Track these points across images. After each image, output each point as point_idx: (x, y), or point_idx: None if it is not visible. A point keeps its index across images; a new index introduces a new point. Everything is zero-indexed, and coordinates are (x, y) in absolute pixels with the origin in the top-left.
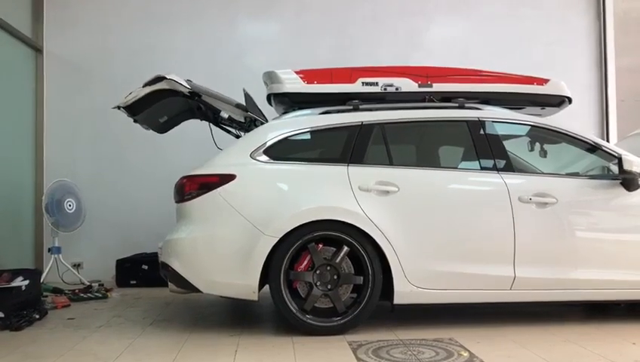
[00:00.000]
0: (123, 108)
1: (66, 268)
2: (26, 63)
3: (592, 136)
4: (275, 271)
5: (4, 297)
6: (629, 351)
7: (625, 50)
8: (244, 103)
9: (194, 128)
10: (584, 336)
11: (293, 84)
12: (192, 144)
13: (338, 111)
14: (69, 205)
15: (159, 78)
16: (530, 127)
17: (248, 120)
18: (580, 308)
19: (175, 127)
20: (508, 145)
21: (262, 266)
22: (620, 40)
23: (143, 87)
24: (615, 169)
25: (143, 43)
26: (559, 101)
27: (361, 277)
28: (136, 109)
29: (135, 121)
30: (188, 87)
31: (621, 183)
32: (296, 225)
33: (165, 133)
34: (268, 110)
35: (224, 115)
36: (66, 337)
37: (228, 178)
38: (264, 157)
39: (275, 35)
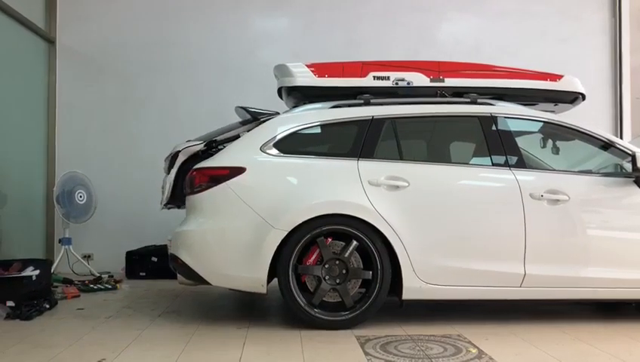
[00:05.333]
0: (168, 205)
1: (76, 259)
2: (39, 55)
3: (606, 133)
4: (283, 265)
5: (15, 286)
6: None
7: None
8: (244, 118)
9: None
10: (594, 335)
11: (304, 77)
12: None
13: (349, 106)
14: (80, 196)
15: (174, 156)
16: (542, 123)
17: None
18: (591, 307)
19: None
20: (520, 141)
21: (270, 259)
22: (636, 37)
23: (168, 173)
24: (629, 167)
25: (156, 36)
26: (573, 98)
27: (370, 272)
28: (178, 195)
29: (179, 206)
30: (200, 142)
31: (634, 181)
32: (306, 219)
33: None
34: (278, 104)
35: (243, 135)
36: (75, 327)
37: (238, 171)
38: (274, 151)
39: (287, 29)
